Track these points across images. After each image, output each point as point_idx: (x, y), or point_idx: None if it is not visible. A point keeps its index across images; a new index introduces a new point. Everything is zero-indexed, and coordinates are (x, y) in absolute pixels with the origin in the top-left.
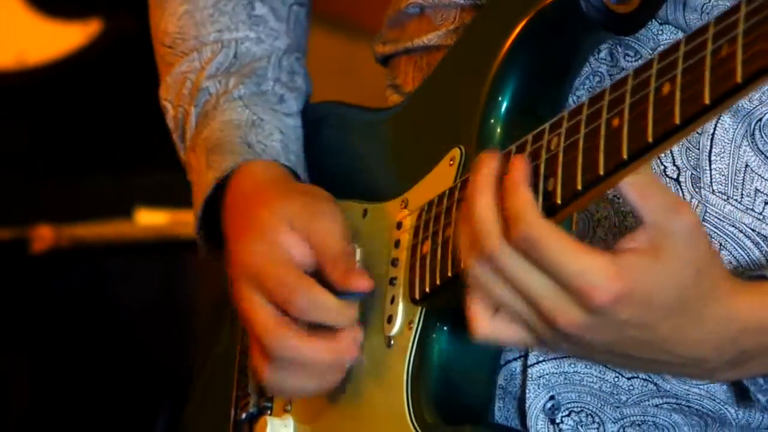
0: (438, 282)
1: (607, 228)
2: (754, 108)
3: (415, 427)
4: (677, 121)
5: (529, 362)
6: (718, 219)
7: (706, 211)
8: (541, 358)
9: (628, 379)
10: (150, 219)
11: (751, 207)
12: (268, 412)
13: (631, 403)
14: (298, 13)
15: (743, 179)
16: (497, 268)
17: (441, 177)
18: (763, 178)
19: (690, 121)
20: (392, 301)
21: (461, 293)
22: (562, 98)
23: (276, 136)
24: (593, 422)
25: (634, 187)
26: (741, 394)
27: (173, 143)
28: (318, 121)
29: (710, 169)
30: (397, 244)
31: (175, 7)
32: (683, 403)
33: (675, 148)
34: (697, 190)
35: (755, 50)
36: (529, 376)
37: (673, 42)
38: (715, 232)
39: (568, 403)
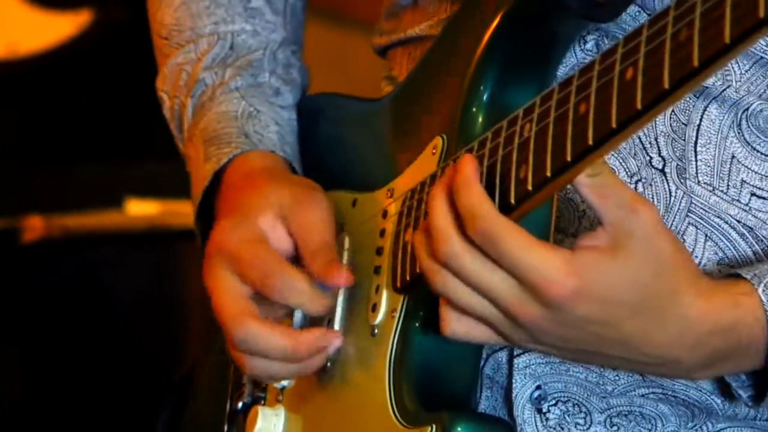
0: (418, 270)
1: (593, 219)
2: (740, 98)
3: (395, 415)
4: (639, 106)
5: (515, 352)
6: (704, 210)
7: (691, 202)
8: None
9: (614, 369)
10: (140, 209)
11: (737, 198)
12: (262, 401)
13: (618, 394)
14: (294, 6)
15: (729, 170)
16: (456, 271)
17: (424, 165)
18: (749, 169)
19: (651, 105)
20: (376, 290)
21: None
22: (545, 87)
23: (272, 128)
24: (580, 412)
25: (592, 188)
26: (724, 390)
27: (166, 134)
28: (312, 113)
29: (696, 160)
30: (382, 232)
31: None
32: (669, 393)
33: (661, 139)
34: (682, 181)
35: (711, 34)
36: (516, 366)
37: (638, 25)
38: (700, 223)
39: (555, 392)
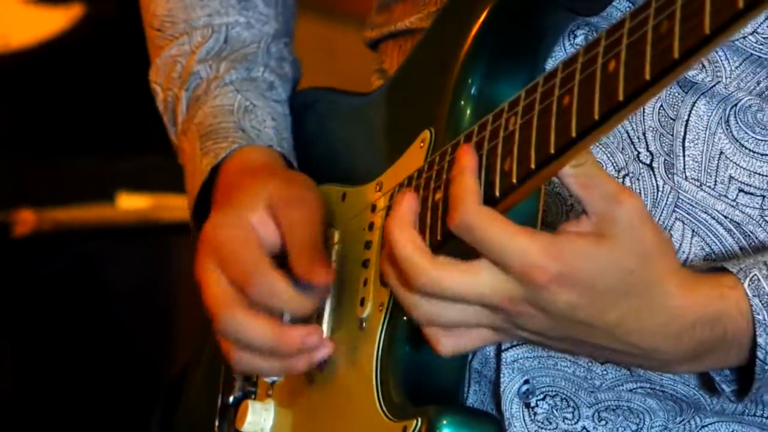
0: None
1: (580, 212)
2: (729, 94)
3: (382, 408)
4: (621, 97)
5: (503, 347)
6: (691, 205)
7: (678, 198)
8: (515, 343)
9: (602, 364)
10: (132, 203)
11: (724, 194)
12: (253, 396)
13: (606, 388)
14: None
15: (717, 166)
16: (439, 294)
17: (412, 159)
18: (737, 165)
19: (633, 97)
20: (365, 283)
21: None
22: (532, 80)
23: (269, 123)
24: (568, 406)
25: (576, 178)
26: (707, 385)
27: (158, 128)
28: (302, 107)
29: (684, 156)
30: (370, 226)
31: None
32: (657, 388)
33: (649, 134)
34: (670, 176)
35: (691, 25)
36: (503, 360)
37: (620, 17)
38: (687, 219)
39: (543, 387)
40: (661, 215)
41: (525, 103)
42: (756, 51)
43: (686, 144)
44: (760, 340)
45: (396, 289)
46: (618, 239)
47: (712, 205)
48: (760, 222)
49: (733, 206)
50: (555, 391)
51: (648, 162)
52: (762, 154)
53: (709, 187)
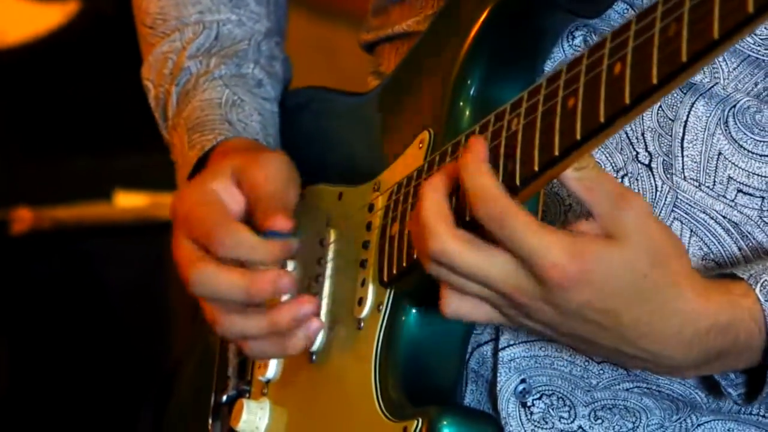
0: (404, 264)
1: (579, 213)
2: (728, 95)
3: (381, 409)
4: (627, 100)
5: (500, 346)
6: (689, 206)
7: (677, 198)
8: (512, 342)
9: (599, 363)
10: (129, 201)
11: (722, 194)
12: (247, 395)
13: (602, 387)
14: None
15: (716, 166)
16: (449, 266)
17: (411, 159)
18: (736, 165)
19: (639, 100)
20: (363, 283)
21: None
22: (532, 81)
23: (255, 117)
24: (564, 405)
25: (581, 182)
26: (710, 387)
27: (154, 126)
28: (298, 106)
29: (682, 156)
30: (368, 226)
31: None
32: (653, 387)
33: (648, 134)
34: (668, 176)
35: (700, 29)
36: (500, 359)
37: (626, 20)
38: (686, 219)
39: (539, 386)
40: (659, 215)
41: (528, 104)
42: (754, 52)
43: (685, 144)
44: None
45: (418, 251)
46: (628, 240)
47: (710, 205)
48: (758, 222)
49: (731, 206)
50: (551, 390)
51: (647, 162)
52: (761, 155)
53: (708, 187)
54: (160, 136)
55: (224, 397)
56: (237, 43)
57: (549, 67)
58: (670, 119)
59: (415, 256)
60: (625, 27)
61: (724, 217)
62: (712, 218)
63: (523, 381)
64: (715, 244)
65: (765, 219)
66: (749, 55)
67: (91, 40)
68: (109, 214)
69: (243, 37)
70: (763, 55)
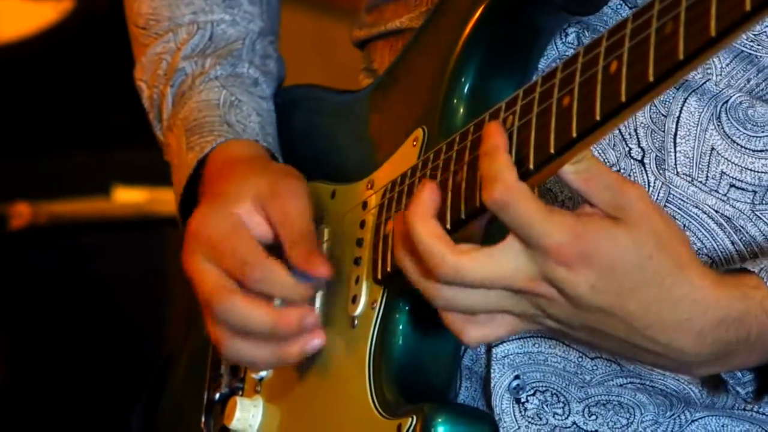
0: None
1: (572, 209)
2: (720, 91)
3: (375, 406)
4: (623, 98)
5: (493, 342)
6: (682, 200)
7: (669, 193)
8: (505, 339)
9: (592, 359)
10: (128, 196)
11: (715, 189)
12: (240, 392)
13: (596, 383)
14: None
15: (709, 162)
16: (462, 283)
17: (405, 157)
18: (729, 161)
19: (636, 98)
20: (356, 281)
21: None
22: (526, 79)
23: (254, 118)
24: (558, 401)
25: (577, 175)
26: (714, 386)
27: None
28: (291, 104)
29: (675, 152)
30: (362, 224)
31: None
32: (647, 383)
33: (640, 130)
34: (661, 171)
35: (697, 27)
36: (494, 356)
37: (621, 18)
38: (678, 213)
39: (533, 382)
40: None
41: (523, 102)
42: (747, 48)
43: (677, 140)
44: None
45: (414, 279)
46: (631, 223)
47: (703, 200)
48: (750, 216)
49: (723, 201)
50: (545, 386)
51: (639, 158)
52: (753, 150)
53: (701, 182)
54: None
55: (217, 395)
56: (231, 43)
57: (543, 64)
58: (662, 115)
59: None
60: (621, 25)
61: (716, 212)
62: (704, 213)
63: (516, 377)
64: (708, 239)
65: (757, 213)
66: (742, 51)
67: (87, 36)
68: (107, 209)
69: (237, 37)
70: (755, 51)
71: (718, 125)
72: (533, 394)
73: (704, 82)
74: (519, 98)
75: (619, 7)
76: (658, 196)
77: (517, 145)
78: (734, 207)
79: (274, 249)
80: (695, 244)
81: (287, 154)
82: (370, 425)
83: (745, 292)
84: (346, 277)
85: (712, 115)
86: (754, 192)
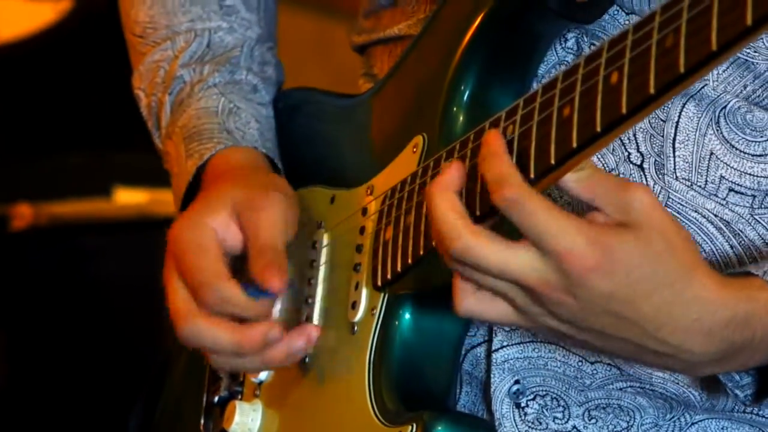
0: (399, 269)
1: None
2: (718, 96)
3: (375, 413)
4: (624, 110)
5: (493, 347)
6: (681, 205)
7: (669, 197)
8: (505, 343)
9: (592, 363)
10: (129, 198)
11: (714, 193)
12: (239, 396)
13: (596, 387)
14: (267, 0)
15: (708, 166)
16: (473, 264)
17: (405, 164)
18: (728, 165)
19: (636, 110)
20: (356, 287)
21: (423, 279)
22: (526, 85)
23: (253, 124)
24: (558, 406)
25: (580, 182)
26: (712, 388)
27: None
28: (291, 108)
29: (674, 156)
30: (362, 230)
31: None
32: (647, 386)
33: (639, 135)
34: (660, 176)
35: (698, 40)
36: (494, 360)
37: (623, 29)
38: (677, 218)
39: (533, 387)
40: None
41: (524, 112)
42: (743, 55)
43: (677, 145)
44: None
45: (438, 248)
46: (641, 226)
47: (702, 204)
48: (749, 221)
49: (723, 205)
50: (545, 390)
51: (638, 163)
52: (752, 155)
53: (700, 186)
54: None
55: (216, 398)
56: (229, 50)
57: (542, 70)
58: (661, 120)
59: (410, 261)
60: (621, 36)
61: (715, 216)
62: (704, 217)
63: (516, 382)
64: (707, 243)
65: (756, 217)
66: (738, 57)
67: (86, 36)
68: (108, 210)
69: (235, 44)
70: (752, 58)
71: (717, 130)
72: (533, 399)
73: (702, 87)
74: (519, 107)
75: (616, 12)
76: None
77: (518, 154)
78: (733, 211)
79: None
80: None
81: (287, 159)
82: None
83: (750, 293)
84: (345, 283)
85: (711, 119)
86: (753, 196)
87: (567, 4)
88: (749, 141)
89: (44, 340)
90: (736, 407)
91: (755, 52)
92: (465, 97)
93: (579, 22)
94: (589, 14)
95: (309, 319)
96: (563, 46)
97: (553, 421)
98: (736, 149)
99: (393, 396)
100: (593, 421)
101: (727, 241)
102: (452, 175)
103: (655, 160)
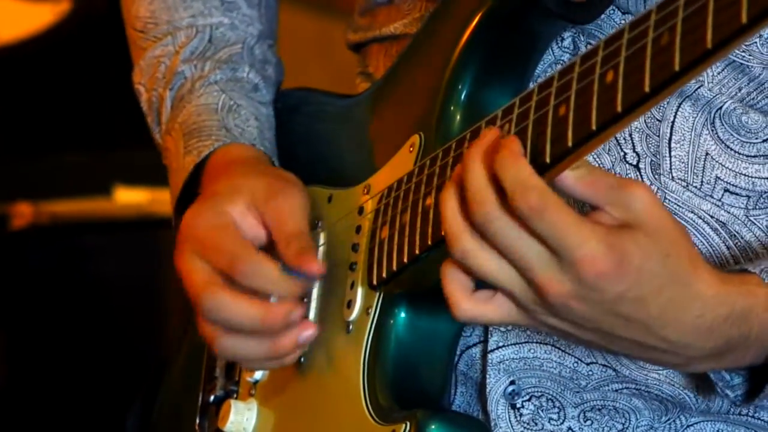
0: (395, 268)
1: None
2: (713, 97)
3: (369, 411)
4: (619, 109)
5: (489, 348)
6: (677, 205)
7: (665, 198)
8: (501, 344)
9: (588, 364)
10: (129, 197)
11: (710, 194)
12: (234, 395)
13: (591, 388)
14: None
15: (703, 167)
16: (491, 235)
17: (401, 163)
18: (723, 166)
19: (631, 108)
20: (352, 286)
21: (419, 278)
22: (523, 85)
23: (252, 122)
24: (554, 407)
25: (578, 180)
26: (705, 389)
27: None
28: (290, 108)
29: (670, 156)
30: (358, 229)
31: None
32: (643, 388)
33: (635, 135)
34: (656, 176)
35: (693, 39)
36: (490, 361)
37: (619, 28)
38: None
39: (529, 388)
40: None
41: (519, 110)
42: (738, 58)
43: (672, 145)
44: None
45: (448, 216)
46: (645, 225)
47: (698, 205)
48: (745, 222)
49: (718, 206)
50: (541, 391)
51: (634, 163)
52: (747, 156)
53: (696, 187)
54: None
55: (212, 397)
56: (230, 46)
57: (539, 69)
58: (657, 120)
59: (405, 260)
60: (617, 35)
61: (711, 217)
62: (700, 218)
63: (512, 383)
64: (704, 244)
65: (751, 218)
66: (734, 61)
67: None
68: (108, 209)
69: (236, 40)
70: (747, 61)
71: (712, 131)
72: (529, 400)
73: (698, 88)
74: (515, 106)
75: (612, 12)
76: None
77: None
78: (729, 212)
79: (268, 252)
80: None
81: (285, 159)
82: (363, 430)
83: (749, 289)
84: (341, 282)
85: (706, 120)
86: (748, 197)
87: (565, 4)
88: (744, 142)
89: (44, 339)
90: (732, 409)
91: (749, 55)
92: (462, 97)
93: (577, 23)
94: (587, 14)
95: (304, 317)
96: (560, 45)
97: (549, 422)
98: (731, 150)
99: (387, 395)
100: (588, 422)
101: (723, 242)
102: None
103: (651, 160)
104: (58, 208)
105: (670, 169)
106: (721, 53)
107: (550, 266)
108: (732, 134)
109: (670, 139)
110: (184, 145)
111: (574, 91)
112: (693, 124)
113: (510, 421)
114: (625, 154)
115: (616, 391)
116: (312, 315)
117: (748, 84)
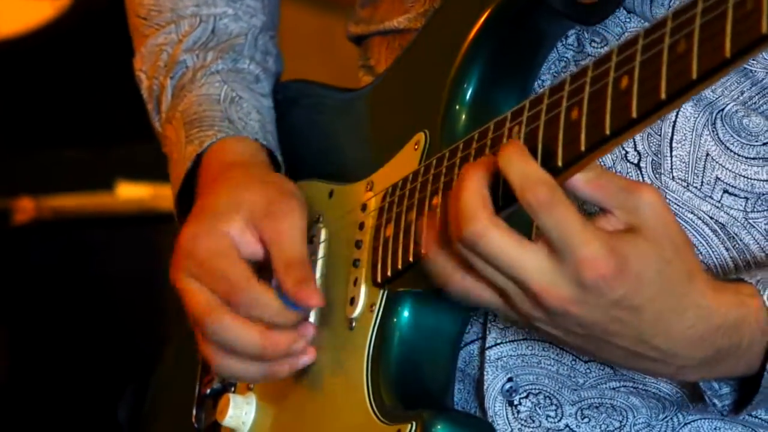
0: (400, 266)
1: None
2: (716, 98)
3: (373, 410)
4: (634, 114)
5: (487, 344)
6: (677, 206)
7: (665, 197)
8: (499, 341)
9: (585, 362)
10: (131, 192)
11: (709, 195)
12: (232, 388)
13: (589, 386)
14: None
15: (704, 167)
16: (483, 252)
17: (406, 160)
18: (723, 167)
19: (647, 114)
20: (355, 283)
21: (424, 277)
22: (528, 85)
23: (254, 115)
24: (551, 404)
25: (587, 183)
26: (697, 396)
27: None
28: (288, 101)
29: (671, 156)
30: (361, 226)
31: None
32: (640, 386)
33: (637, 134)
34: (657, 176)
35: (711, 47)
36: (487, 358)
37: (633, 34)
38: None
39: (526, 385)
40: None
41: (530, 113)
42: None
43: (673, 144)
44: None
45: (432, 251)
46: (650, 229)
47: (697, 206)
48: (744, 224)
49: (718, 207)
50: (538, 389)
51: (636, 162)
52: (747, 158)
53: (696, 187)
54: None
55: (209, 390)
56: (234, 37)
57: (543, 66)
58: (659, 119)
59: (411, 259)
60: (632, 41)
61: (711, 218)
62: (699, 218)
63: (510, 380)
64: (703, 245)
65: (750, 221)
66: None
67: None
68: (110, 204)
69: (239, 32)
70: (750, 66)
71: (713, 131)
72: (526, 397)
73: None
74: (525, 109)
75: (617, 11)
76: None
77: None
78: (728, 214)
79: (265, 268)
80: None
81: (285, 151)
82: (367, 429)
83: (742, 299)
84: (343, 279)
85: (708, 121)
86: (746, 199)
87: (572, 4)
88: (744, 144)
89: (46, 334)
90: None
91: (754, 60)
92: (468, 95)
93: (583, 24)
94: (593, 17)
95: (306, 314)
96: (564, 42)
97: (546, 419)
98: (731, 151)
99: (391, 393)
100: (586, 420)
101: (722, 243)
102: (483, 165)
103: (653, 159)
104: (60, 203)
105: (671, 168)
106: (739, 62)
107: (548, 272)
108: (733, 136)
109: (671, 139)
110: (186, 135)
111: (587, 95)
112: (694, 124)
113: (507, 418)
114: (627, 152)
115: (614, 389)
116: (313, 312)
117: (751, 88)
